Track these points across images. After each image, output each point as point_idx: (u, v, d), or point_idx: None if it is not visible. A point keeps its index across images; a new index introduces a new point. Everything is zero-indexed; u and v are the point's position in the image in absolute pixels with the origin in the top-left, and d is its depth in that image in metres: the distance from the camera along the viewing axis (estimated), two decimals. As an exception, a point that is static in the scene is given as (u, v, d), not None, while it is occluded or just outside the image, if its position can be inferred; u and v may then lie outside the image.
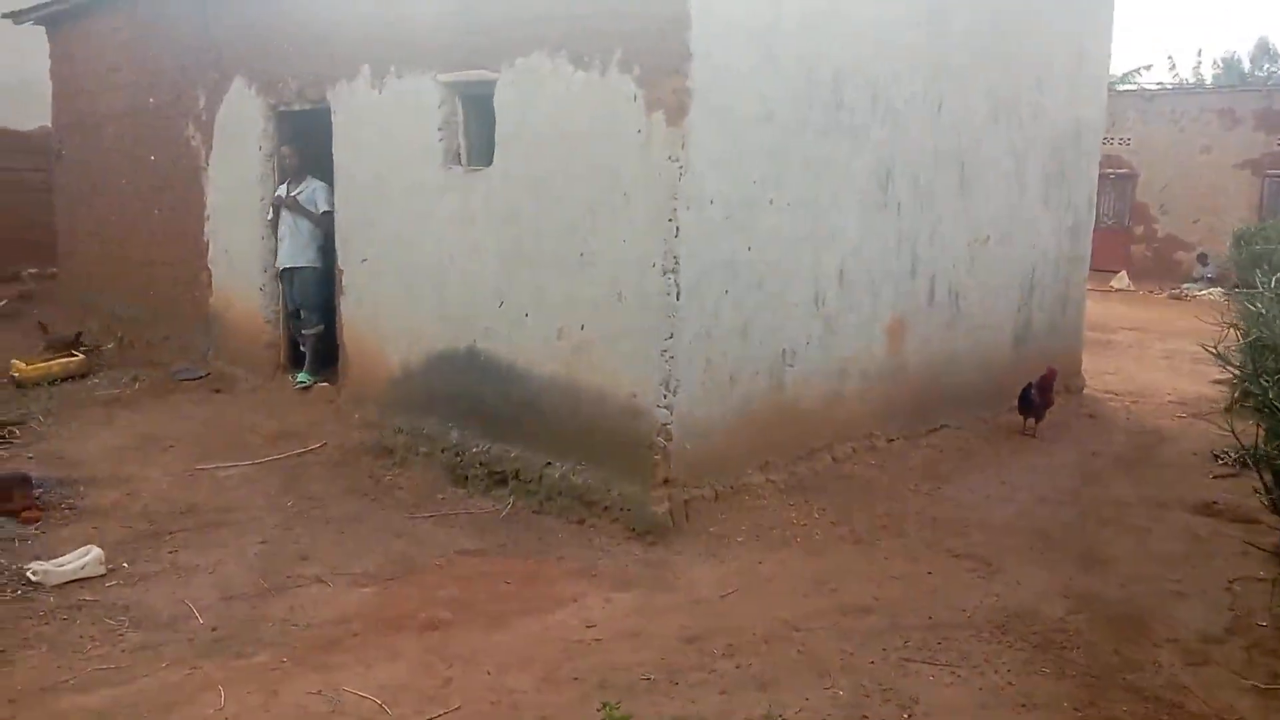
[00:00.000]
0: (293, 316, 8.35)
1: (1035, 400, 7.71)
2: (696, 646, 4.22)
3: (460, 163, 6.55)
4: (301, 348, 8.34)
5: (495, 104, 6.13)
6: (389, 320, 7.12)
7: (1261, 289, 3.19)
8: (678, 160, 5.23)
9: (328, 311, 7.94)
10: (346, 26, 7.20)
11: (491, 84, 6.13)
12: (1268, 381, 3.03)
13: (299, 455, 6.85)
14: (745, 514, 5.63)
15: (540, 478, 5.92)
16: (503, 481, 6.11)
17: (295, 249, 8.06)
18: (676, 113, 5.21)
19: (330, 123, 7.40)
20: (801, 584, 4.89)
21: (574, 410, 5.84)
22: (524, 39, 5.90)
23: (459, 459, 6.37)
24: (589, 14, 5.56)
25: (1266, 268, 3.72)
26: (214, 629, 4.37)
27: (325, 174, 7.77)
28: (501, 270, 6.23)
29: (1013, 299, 8.24)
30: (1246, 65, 40.52)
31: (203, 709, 3.69)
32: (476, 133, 6.48)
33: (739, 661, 4.09)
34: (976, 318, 7.78)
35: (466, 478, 6.26)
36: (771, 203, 5.79)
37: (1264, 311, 2.96)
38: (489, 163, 6.27)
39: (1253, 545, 5.01)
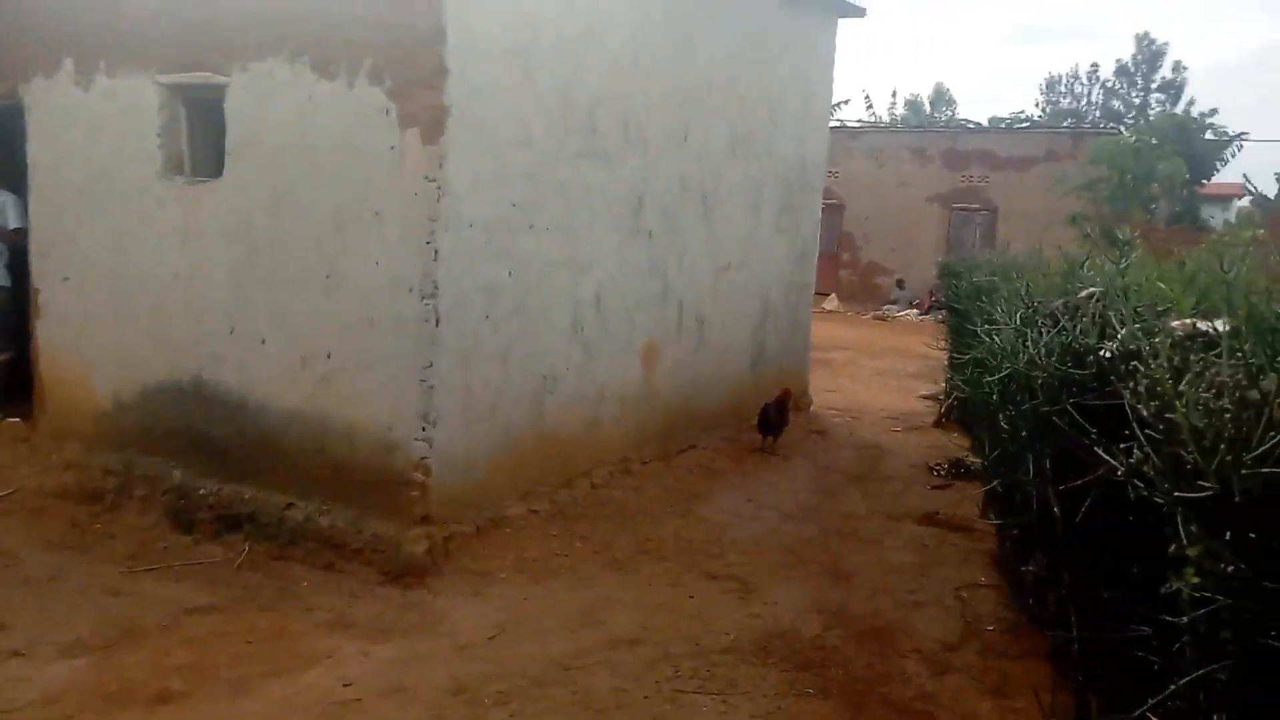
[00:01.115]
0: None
1: (773, 420, 8.11)
2: (466, 697, 3.99)
3: (183, 172, 5.93)
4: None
5: (225, 110, 5.60)
6: (97, 346, 6.29)
7: (1003, 322, 3.49)
8: (435, 180, 5.00)
9: (18, 338, 6.91)
10: (44, 12, 6.30)
11: (221, 88, 5.59)
12: (1012, 408, 3.31)
13: (-18, 504, 5.89)
14: (508, 548, 5.46)
15: (281, 520, 5.43)
16: (236, 525, 5.55)
17: (-23, 266, 6.96)
18: (433, 130, 4.98)
19: (23, 123, 6.46)
20: (569, 618, 4.78)
21: (320, 445, 5.42)
22: (259, 41, 5.43)
23: (183, 502, 5.74)
24: (334, 20, 5.19)
25: (1002, 302, 4.06)
26: (-123, 728, 3.62)
27: (13, 181, 6.78)
28: (233, 291, 5.69)
29: (750, 323, 8.63)
30: (928, 108, 45.40)
31: None
32: (203, 140, 5.89)
33: (512, 709, 3.91)
34: (720, 341, 8.06)
35: (193, 523, 5.63)
36: (531, 227, 5.68)
37: (1006, 346, 3.24)
38: (218, 173, 5.71)
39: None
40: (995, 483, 4.14)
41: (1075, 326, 3.28)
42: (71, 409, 6.44)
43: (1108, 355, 2.92)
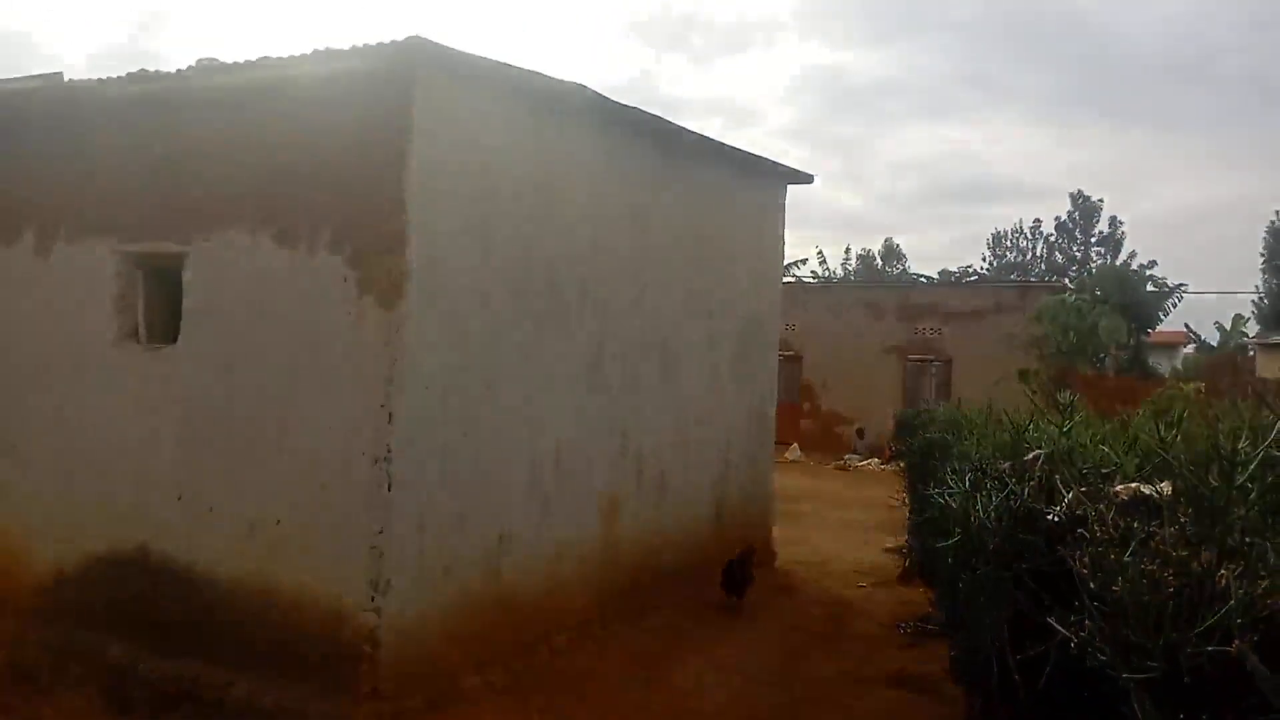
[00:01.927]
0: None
1: (738, 577, 7.98)
2: None
3: (138, 339, 5.93)
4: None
5: (184, 278, 5.67)
6: (39, 517, 6.13)
7: (953, 484, 3.51)
8: (391, 344, 5.04)
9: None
10: (8, 186, 6.43)
11: (180, 256, 5.68)
12: (967, 576, 3.30)
13: (-97, 686, 5.57)
14: (461, 724, 5.23)
15: (221, 699, 5.18)
16: (174, 705, 5.28)
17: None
18: (392, 296, 5.05)
19: (-24, 290, 6.49)
20: (523, 802, 4.54)
21: (265, 617, 5.23)
22: (220, 213, 5.56)
23: (121, 679, 5.46)
24: (295, 192, 5.34)
25: (954, 461, 4.10)
26: None
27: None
28: (183, 459, 5.61)
29: (711, 476, 8.61)
30: (879, 263, 47.06)
31: None
32: (160, 308, 5.93)
33: None
34: (681, 495, 8.01)
35: (129, 702, 5.35)
36: (489, 386, 5.70)
37: (959, 508, 3.25)
38: (174, 340, 5.72)
39: None
40: (956, 650, 4.07)
41: (1023, 489, 3.30)
42: (9, 582, 6.21)
43: (1055, 519, 2.93)
